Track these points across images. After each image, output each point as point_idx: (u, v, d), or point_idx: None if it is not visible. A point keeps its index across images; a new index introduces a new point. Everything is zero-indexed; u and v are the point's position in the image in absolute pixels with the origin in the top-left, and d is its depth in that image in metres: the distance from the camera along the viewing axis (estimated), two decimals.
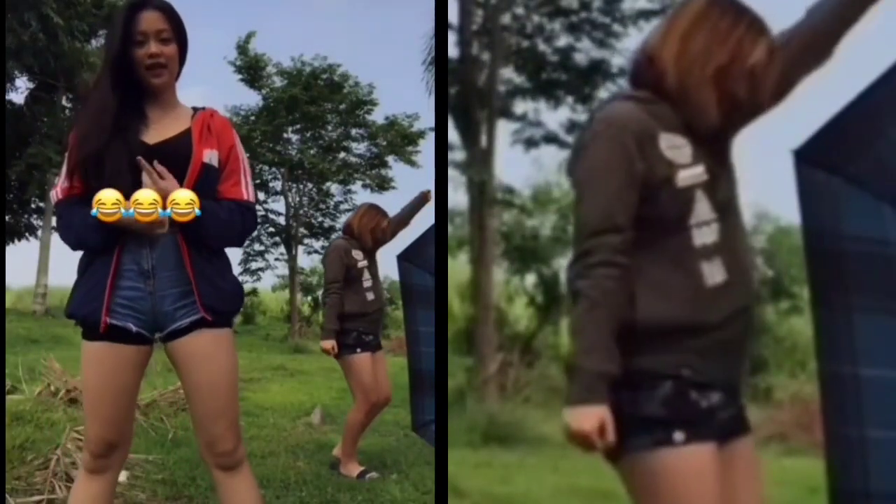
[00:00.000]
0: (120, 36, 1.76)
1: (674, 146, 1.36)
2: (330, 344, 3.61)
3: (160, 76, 1.78)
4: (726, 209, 1.39)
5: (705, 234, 1.36)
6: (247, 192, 1.88)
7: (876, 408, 1.41)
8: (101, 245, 1.74)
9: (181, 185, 1.74)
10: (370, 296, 3.73)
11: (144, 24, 1.75)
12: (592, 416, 1.28)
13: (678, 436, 1.30)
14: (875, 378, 1.42)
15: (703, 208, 1.36)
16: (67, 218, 1.80)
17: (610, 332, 1.31)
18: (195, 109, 1.89)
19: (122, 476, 3.15)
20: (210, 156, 1.80)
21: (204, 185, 1.78)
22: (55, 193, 1.82)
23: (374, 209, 3.91)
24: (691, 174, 1.35)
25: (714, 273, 1.36)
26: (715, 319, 1.35)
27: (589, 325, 1.31)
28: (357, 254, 3.73)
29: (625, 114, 1.37)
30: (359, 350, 3.65)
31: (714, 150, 1.40)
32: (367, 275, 3.75)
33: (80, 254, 1.83)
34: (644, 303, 1.35)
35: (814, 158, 1.44)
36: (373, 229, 3.78)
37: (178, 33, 1.81)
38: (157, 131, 1.79)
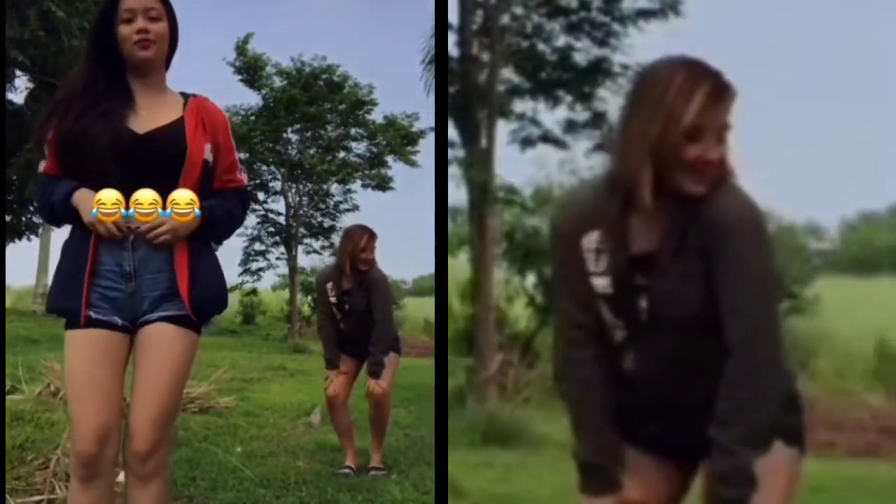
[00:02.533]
0: (105, 14, 1.75)
1: (592, 249, 1.37)
2: (333, 374, 3.77)
3: (147, 48, 1.74)
4: (645, 325, 1.36)
5: (616, 334, 1.40)
6: (242, 175, 1.89)
7: None
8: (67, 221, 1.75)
9: (177, 181, 1.72)
10: (343, 325, 3.78)
11: (132, 2, 1.74)
12: None
13: None
14: None
15: (607, 314, 1.39)
16: (42, 194, 1.80)
17: (603, 422, 1.41)
18: (184, 95, 1.85)
19: (122, 475, 3.14)
20: (208, 151, 1.78)
21: (204, 182, 1.76)
22: (41, 167, 1.80)
23: (354, 233, 3.75)
24: (599, 283, 1.38)
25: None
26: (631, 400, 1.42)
27: (581, 417, 1.42)
28: (331, 287, 3.72)
29: (578, 201, 1.44)
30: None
31: (650, 264, 1.34)
32: (335, 311, 3.74)
33: None
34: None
35: None
36: (350, 253, 3.66)
37: (168, 14, 1.79)
38: (147, 118, 1.74)
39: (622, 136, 1.32)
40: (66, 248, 1.78)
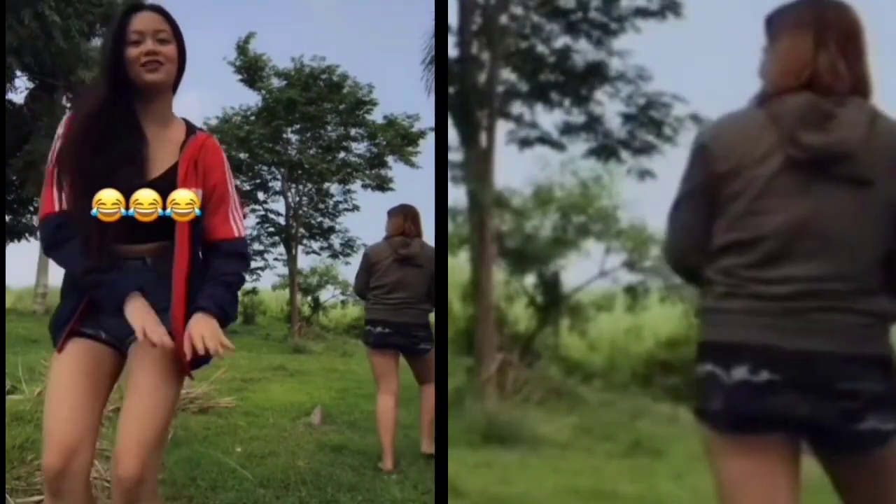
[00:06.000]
0: (114, 38, 1.70)
1: None
2: None
3: (155, 71, 1.69)
4: None
5: None
6: (236, 227, 1.81)
7: None
8: (88, 274, 1.65)
9: (171, 235, 1.71)
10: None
11: (141, 24, 1.70)
12: None
13: None
14: None
15: None
16: (52, 239, 1.68)
17: None
18: (189, 128, 1.81)
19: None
20: (197, 200, 1.73)
21: (195, 233, 1.74)
22: (42, 207, 1.71)
23: (396, 213, 3.90)
24: None
25: None
26: None
27: None
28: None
29: None
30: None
31: None
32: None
33: None
34: None
35: None
36: (391, 238, 3.85)
37: (176, 37, 1.75)
38: (151, 164, 1.72)
39: None
40: (71, 283, 1.76)
